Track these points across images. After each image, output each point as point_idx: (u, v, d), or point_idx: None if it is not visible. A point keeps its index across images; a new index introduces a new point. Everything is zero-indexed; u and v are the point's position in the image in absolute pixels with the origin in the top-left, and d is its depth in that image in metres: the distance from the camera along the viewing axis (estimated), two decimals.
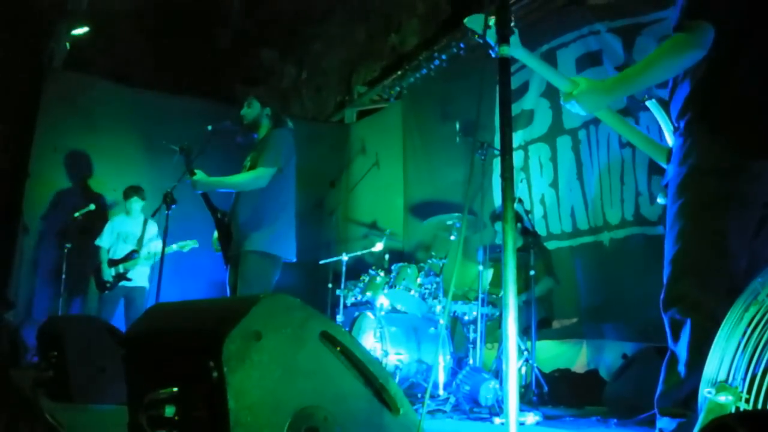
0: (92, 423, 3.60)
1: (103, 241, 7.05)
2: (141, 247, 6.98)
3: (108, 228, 7.13)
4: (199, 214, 4.96)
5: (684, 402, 2.30)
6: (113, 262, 6.94)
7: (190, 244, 6.85)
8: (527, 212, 6.17)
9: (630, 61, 5.68)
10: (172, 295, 4.94)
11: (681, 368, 2.33)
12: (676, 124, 2.52)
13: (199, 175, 4.52)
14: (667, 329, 2.41)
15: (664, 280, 2.44)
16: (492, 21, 2.82)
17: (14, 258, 7.80)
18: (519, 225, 5.65)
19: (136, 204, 7.16)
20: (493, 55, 2.60)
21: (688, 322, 2.31)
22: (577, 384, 5.49)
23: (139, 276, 7.03)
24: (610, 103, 2.66)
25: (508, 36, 1.96)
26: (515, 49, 2.77)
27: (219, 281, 5.35)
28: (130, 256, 6.91)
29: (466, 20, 3.03)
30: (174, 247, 6.74)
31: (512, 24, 1.99)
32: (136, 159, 8.22)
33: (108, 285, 6.87)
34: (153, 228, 7.16)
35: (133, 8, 9.75)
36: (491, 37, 2.77)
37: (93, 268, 7.10)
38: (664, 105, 2.71)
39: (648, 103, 2.76)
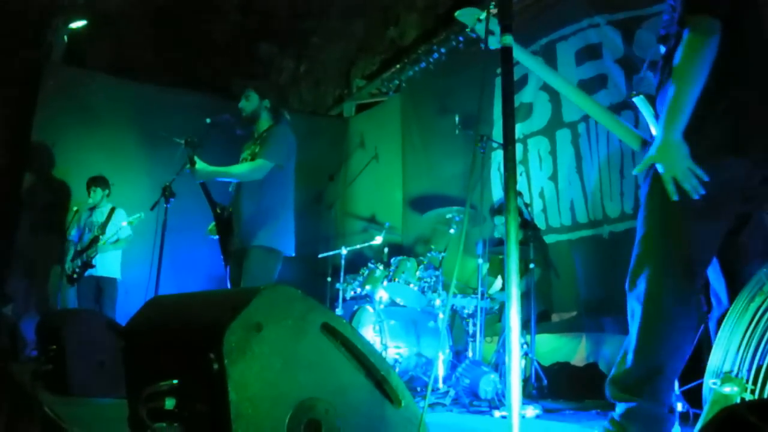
0: (92, 416, 3.59)
1: (72, 235, 7.07)
2: (103, 232, 6.96)
3: (74, 222, 7.14)
4: (196, 208, 4.94)
5: (632, 388, 2.34)
6: (78, 253, 6.93)
7: (136, 218, 6.85)
8: (527, 205, 6.16)
9: (630, 54, 5.67)
10: (171, 289, 4.93)
11: (629, 356, 2.38)
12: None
13: (200, 164, 4.51)
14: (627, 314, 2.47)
15: (630, 264, 2.49)
16: (483, 15, 2.84)
17: (12, 252, 7.78)
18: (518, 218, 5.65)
19: (97, 194, 7.15)
20: (483, 48, 2.60)
21: (640, 311, 2.36)
22: (577, 377, 5.49)
23: (108, 265, 7.00)
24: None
25: (509, 26, 1.94)
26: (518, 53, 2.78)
27: (217, 275, 5.35)
28: (93, 243, 6.89)
29: (457, 14, 3.04)
30: (124, 224, 6.80)
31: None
32: (134, 153, 8.19)
33: (75, 276, 6.85)
34: (120, 215, 7.14)
35: (130, 1, 9.72)
36: (482, 31, 2.79)
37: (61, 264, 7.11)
38: (651, 100, 2.71)
39: (635, 99, 2.75)
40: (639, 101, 2.72)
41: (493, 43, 2.79)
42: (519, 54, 2.87)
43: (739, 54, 2.40)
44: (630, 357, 2.38)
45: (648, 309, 2.36)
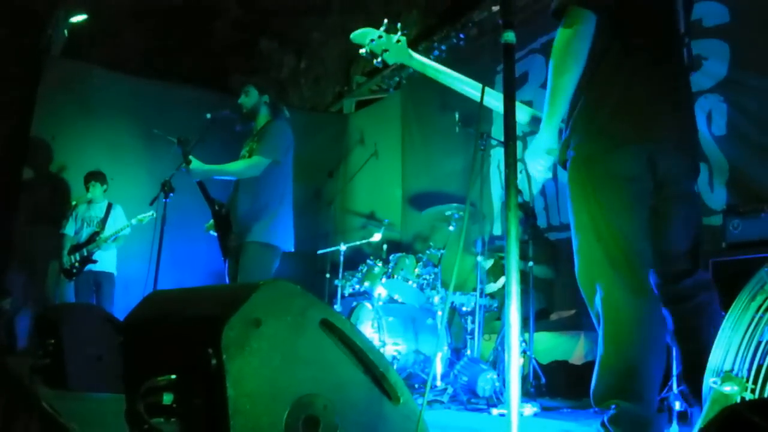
0: (89, 411, 3.58)
1: (68, 229, 7.08)
2: (103, 228, 6.97)
3: (72, 216, 7.15)
4: (195, 204, 4.93)
5: (611, 393, 2.33)
6: (76, 247, 6.93)
7: (148, 216, 6.85)
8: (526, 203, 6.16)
9: None
10: (170, 285, 4.92)
11: (596, 365, 2.38)
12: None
13: (195, 163, 4.51)
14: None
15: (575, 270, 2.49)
16: (376, 33, 3.01)
17: (11, 246, 7.77)
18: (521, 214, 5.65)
19: (96, 189, 7.15)
20: (378, 65, 2.85)
21: (601, 318, 2.37)
22: (575, 375, 5.48)
23: (106, 260, 7.01)
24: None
25: (512, 22, 1.94)
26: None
27: (216, 271, 5.33)
28: (93, 238, 6.90)
29: (352, 36, 3.16)
30: (133, 221, 6.81)
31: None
32: (134, 147, 8.17)
33: (74, 270, 6.86)
34: (118, 212, 7.15)
35: None
36: (377, 49, 2.95)
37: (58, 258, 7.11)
38: None
39: None
40: None
41: (390, 59, 2.96)
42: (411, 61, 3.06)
43: (626, 45, 2.41)
44: (596, 367, 2.38)
45: (604, 311, 2.36)
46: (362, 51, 3.11)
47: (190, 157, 4.50)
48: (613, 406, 2.27)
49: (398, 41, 3.04)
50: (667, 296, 2.43)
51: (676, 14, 2.56)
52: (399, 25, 3.09)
